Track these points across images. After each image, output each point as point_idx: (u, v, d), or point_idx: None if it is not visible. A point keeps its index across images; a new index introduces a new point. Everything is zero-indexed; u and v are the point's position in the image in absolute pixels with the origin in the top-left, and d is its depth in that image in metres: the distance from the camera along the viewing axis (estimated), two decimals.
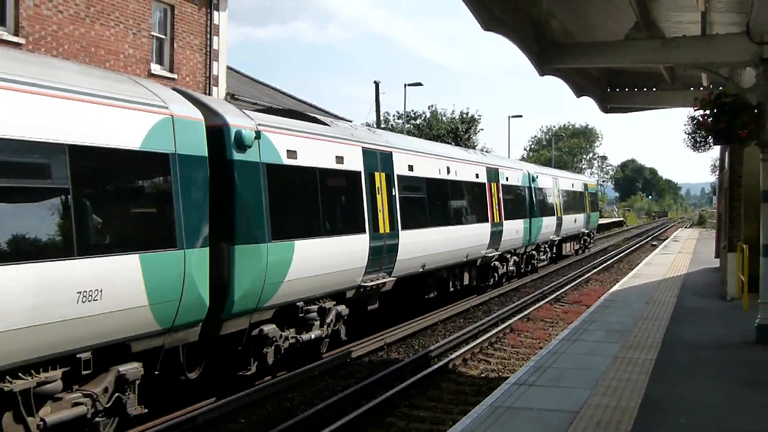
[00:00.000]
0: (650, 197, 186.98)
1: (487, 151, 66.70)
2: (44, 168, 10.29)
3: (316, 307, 17.00)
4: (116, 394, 11.44)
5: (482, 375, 17.65)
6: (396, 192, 21.07)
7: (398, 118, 76.54)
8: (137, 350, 11.87)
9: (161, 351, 12.48)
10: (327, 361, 17.72)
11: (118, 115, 11.43)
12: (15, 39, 21.55)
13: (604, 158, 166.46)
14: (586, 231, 53.66)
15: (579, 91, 23.14)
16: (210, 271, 13.12)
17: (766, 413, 10.67)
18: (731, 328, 17.32)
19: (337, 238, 17.71)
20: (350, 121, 38.37)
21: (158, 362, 12.56)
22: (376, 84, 57.50)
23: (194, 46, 29.21)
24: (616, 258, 48.11)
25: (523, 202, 35.47)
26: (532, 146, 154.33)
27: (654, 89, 24.33)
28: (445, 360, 18.04)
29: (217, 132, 13.86)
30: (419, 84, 56.12)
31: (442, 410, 14.45)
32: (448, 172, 25.77)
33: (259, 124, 15.03)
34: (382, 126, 62.44)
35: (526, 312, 25.70)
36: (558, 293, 30.58)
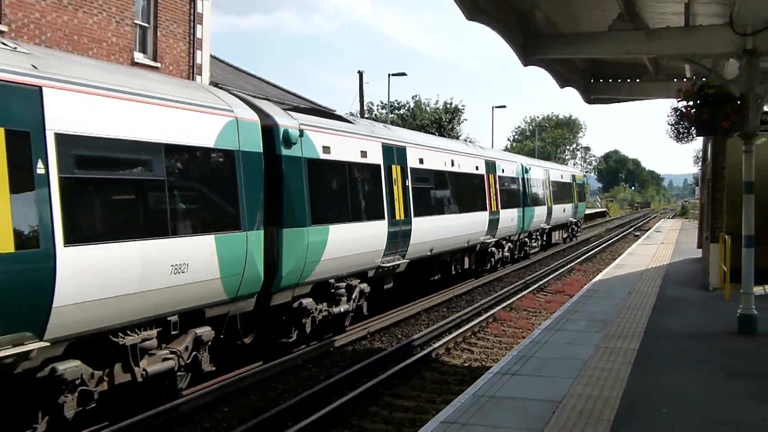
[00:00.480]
0: (633, 188, 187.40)
1: (470, 142, 66.79)
2: (148, 163, 12.62)
3: (344, 284, 19.24)
4: (194, 353, 13.80)
5: (465, 364, 17.69)
6: (409, 183, 23.32)
7: (382, 108, 76.49)
8: (210, 316, 14.25)
9: (226, 318, 14.93)
10: (311, 350, 17.74)
11: (198, 119, 13.83)
12: None
13: (587, 149, 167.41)
14: (574, 220, 55.71)
15: (563, 82, 23.16)
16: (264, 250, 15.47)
17: (747, 403, 10.74)
18: (713, 319, 17.41)
19: (363, 223, 20.07)
20: (334, 111, 38.36)
21: (223, 327, 14.95)
22: (360, 74, 57.53)
23: (178, 35, 29.06)
24: (599, 248, 48.26)
25: (517, 193, 37.52)
26: (516, 137, 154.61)
27: (637, 80, 24.37)
28: (429, 349, 18.08)
29: (269, 131, 16.13)
30: (403, 74, 56.15)
31: (425, 399, 14.49)
32: (452, 164, 27.92)
33: (301, 124, 17.29)
34: (366, 116, 62.33)
35: (509, 301, 25.77)
36: (541, 283, 30.66)
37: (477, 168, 30.93)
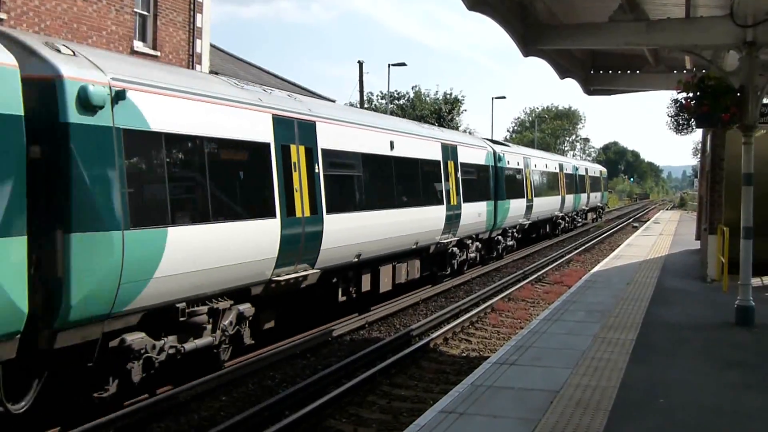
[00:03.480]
0: (632, 179, 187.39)
1: (470, 132, 66.71)
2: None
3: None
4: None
5: (463, 354, 17.72)
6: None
7: (381, 99, 76.45)
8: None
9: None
10: (308, 339, 17.76)
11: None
12: None
13: (586, 140, 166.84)
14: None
15: (563, 73, 23.13)
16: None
17: (745, 394, 10.77)
18: (711, 310, 17.44)
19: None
20: (334, 101, 38.25)
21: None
22: (360, 64, 57.38)
23: (177, 24, 29.02)
24: (597, 239, 48.28)
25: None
26: (516, 128, 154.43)
27: (637, 72, 24.36)
28: (427, 339, 18.10)
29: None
30: (403, 64, 55.91)
31: (423, 389, 14.52)
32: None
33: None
34: (365, 106, 62.29)
35: (507, 292, 25.78)
36: (539, 273, 30.67)
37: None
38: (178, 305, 13.33)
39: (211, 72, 30.35)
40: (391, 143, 22.76)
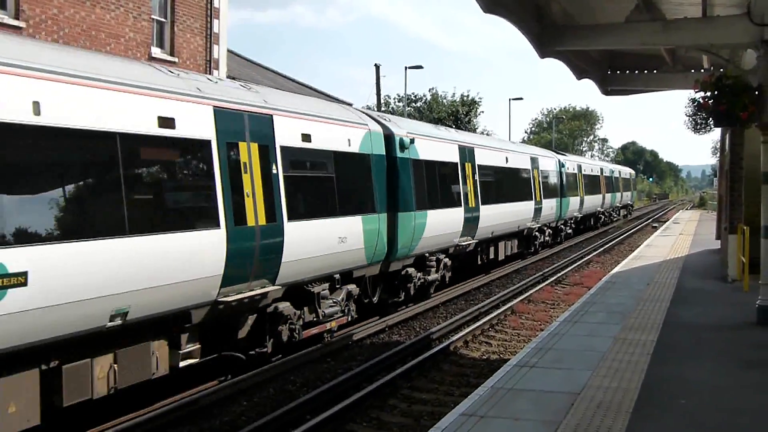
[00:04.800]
0: (651, 179, 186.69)
1: (487, 134, 66.89)
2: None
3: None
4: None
5: (483, 357, 17.71)
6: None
7: (399, 101, 76.51)
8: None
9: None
10: (329, 343, 17.79)
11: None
12: (16, 23, 21.49)
13: (604, 140, 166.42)
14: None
15: (579, 74, 23.14)
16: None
17: (766, 394, 10.72)
18: (732, 310, 17.36)
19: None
20: (350, 104, 38.39)
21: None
22: (377, 67, 57.40)
23: (195, 30, 29.14)
24: (617, 240, 48.16)
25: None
26: (533, 128, 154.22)
27: (655, 71, 24.34)
28: (447, 342, 18.10)
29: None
30: (420, 67, 55.86)
31: (443, 392, 14.51)
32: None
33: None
34: (382, 109, 62.31)
35: (527, 294, 25.76)
36: (559, 275, 30.61)
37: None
38: (425, 254, 23.53)
39: (228, 77, 30.47)
40: (506, 158, 32.81)
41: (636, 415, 9.55)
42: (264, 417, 12.52)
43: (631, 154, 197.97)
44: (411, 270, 22.28)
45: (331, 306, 17.52)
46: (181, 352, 13.22)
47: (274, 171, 15.36)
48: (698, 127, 16.78)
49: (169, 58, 27.63)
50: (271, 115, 15.53)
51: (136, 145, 12.09)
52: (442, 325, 20.27)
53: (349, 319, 18.54)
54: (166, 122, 12.63)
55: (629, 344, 13.69)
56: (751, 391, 10.84)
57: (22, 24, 21.65)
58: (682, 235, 41.87)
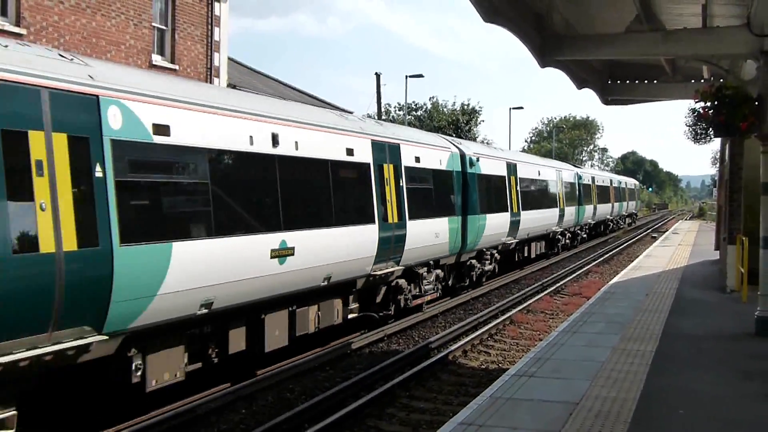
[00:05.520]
0: (650, 189, 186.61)
1: (488, 143, 66.92)
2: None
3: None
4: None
5: (482, 366, 17.69)
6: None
7: (399, 110, 76.51)
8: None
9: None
10: (328, 352, 17.78)
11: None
12: (16, 29, 21.49)
13: (604, 150, 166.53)
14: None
15: (580, 83, 23.17)
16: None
17: (765, 405, 10.72)
18: (731, 320, 17.36)
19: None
20: (351, 112, 38.44)
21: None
22: (377, 75, 57.42)
23: (195, 37, 29.17)
24: (615, 250, 48.15)
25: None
26: (533, 138, 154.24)
27: (655, 81, 24.37)
28: (445, 351, 18.08)
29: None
30: (420, 75, 55.83)
31: (442, 401, 14.50)
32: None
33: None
34: (383, 117, 62.33)
35: (525, 304, 25.75)
36: (558, 285, 30.62)
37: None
38: (483, 249, 29.36)
39: (229, 85, 30.51)
40: (539, 172, 39.48)
41: (634, 425, 9.54)
42: (262, 425, 12.51)
43: (630, 164, 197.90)
44: (474, 261, 28.19)
45: (428, 284, 23.46)
46: (349, 308, 19.21)
47: (401, 184, 21.54)
48: (698, 137, 16.77)
49: (170, 65, 27.66)
50: (399, 144, 21.78)
51: (337, 168, 17.99)
52: (440, 334, 20.26)
53: (438, 295, 24.61)
54: (350, 152, 18.71)
55: (628, 354, 13.68)
56: (749, 402, 10.84)
57: (22, 31, 21.66)
58: (681, 246, 41.89)
